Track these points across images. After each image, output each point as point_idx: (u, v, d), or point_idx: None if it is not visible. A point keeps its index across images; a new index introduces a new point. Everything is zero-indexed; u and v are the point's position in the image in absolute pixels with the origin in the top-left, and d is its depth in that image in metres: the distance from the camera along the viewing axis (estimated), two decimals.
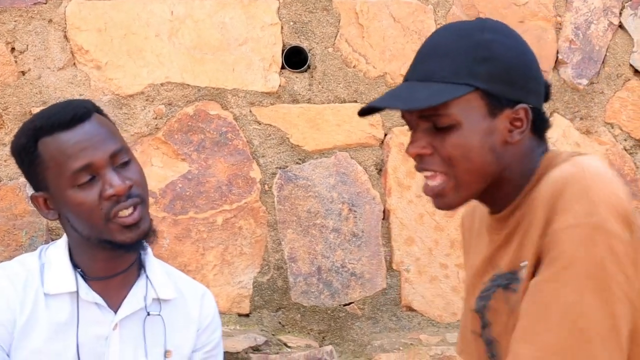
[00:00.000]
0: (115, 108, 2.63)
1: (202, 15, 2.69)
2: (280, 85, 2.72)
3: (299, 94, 2.73)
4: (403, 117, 1.36)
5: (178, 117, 2.66)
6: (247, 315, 2.67)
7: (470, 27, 1.34)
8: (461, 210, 2.78)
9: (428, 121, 1.31)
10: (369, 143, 2.76)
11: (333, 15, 2.77)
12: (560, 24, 2.88)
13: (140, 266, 1.66)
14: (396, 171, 2.75)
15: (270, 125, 2.71)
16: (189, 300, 1.70)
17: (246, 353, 2.45)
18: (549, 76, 2.83)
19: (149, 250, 1.67)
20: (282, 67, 2.72)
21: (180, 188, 2.64)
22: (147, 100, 2.66)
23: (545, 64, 2.80)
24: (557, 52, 2.85)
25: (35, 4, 2.62)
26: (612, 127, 2.90)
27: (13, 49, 2.61)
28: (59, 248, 1.62)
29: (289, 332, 2.66)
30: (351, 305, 2.71)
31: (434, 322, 2.75)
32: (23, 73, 2.61)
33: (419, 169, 1.34)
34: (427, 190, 1.34)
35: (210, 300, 1.74)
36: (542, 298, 1.21)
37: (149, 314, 1.61)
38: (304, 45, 2.74)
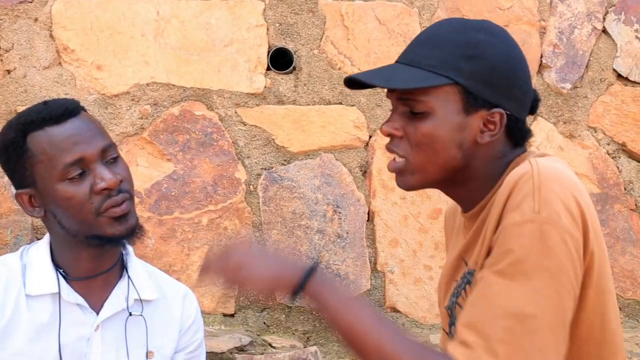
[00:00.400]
0: (101, 107, 2.63)
1: (188, 16, 2.69)
2: (265, 87, 2.73)
3: (284, 96, 2.74)
4: (387, 96, 1.40)
5: (163, 118, 2.67)
6: (232, 316, 2.68)
7: (469, 25, 1.37)
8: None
9: (406, 105, 1.34)
10: (353, 145, 2.77)
11: (319, 17, 2.78)
12: (544, 28, 2.90)
13: (122, 267, 1.66)
14: (381, 173, 2.76)
15: (256, 127, 2.72)
16: (171, 300, 1.70)
17: (231, 353, 2.45)
18: (533, 80, 2.85)
19: (131, 250, 1.67)
20: (268, 69, 2.73)
21: (166, 188, 2.65)
22: (132, 100, 2.66)
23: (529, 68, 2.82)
24: (541, 56, 2.87)
25: (21, 2, 2.62)
26: (596, 131, 2.92)
27: None
28: (41, 249, 1.62)
29: (273, 333, 2.67)
30: None
31: (418, 324, 2.76)
32: (8, 72, 2.61)
33: (388, 148, 1.39)
34: (389, 166, 1.40)
35: (192, 301, 1.74)
36: (489, 290, 1.22)
37: (130, 315, 1.61)
38: (290, 46, 2.75)
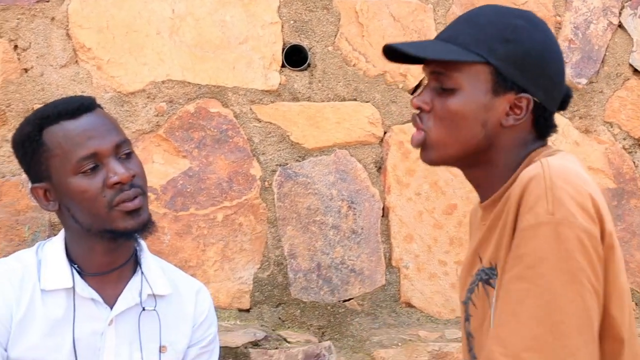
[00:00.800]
0: (117, 105, 2.66)
1: (203, 14, 2.71)
2: (280, 84, 2.74)
3: (299, 92, 2.75)
4: (423, 70, 1.42)
5: (179, 115, 2.69)
6: (247, 311, 2.70)
7: (511, 11, 1.39)
8: (461, 209, 2.80)
9: (437, 80, 1.37)
10: (368, 141, 2.78)
11: (333, 14, 2.79)
12: (559, 23, 2.89)
13: (136, 262, 1.68)
14: (395, 169, 2.77)
15: (271, 123, 2.73)
16: (184, 296, 1.72)
17: (245, 348, 2.47)
18: None
19: (145, 246, 1.70)
20: (283, 66, 2.75)
21: (181, 185, 2.67)
22: (148, 97, 2.68)
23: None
24: None
25: (38, 1, 2.65)
26: (612, 126, 2.91)
27: (16, 47, 2.64)
28: (56, 244, 1.64)
29: (288, 328, 2.69)
30: (351, 301, 2.74)
31: (433, 319, 2.77)
32: (26, 70, 2.64)
33: (412, 119, 1.41)
34: (412, 141, 1.41)
35: (206, 296, 1.76)
36: (510, 298, 1.23)
37: (144, 310, 1.64)
38: (304, 43, 2.76)
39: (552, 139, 1.48)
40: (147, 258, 1.70)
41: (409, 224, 2.76)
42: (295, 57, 2.76)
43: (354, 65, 2.78)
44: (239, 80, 2.72)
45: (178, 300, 1.71)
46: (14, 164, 2.56)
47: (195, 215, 2.67)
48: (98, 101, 1.68)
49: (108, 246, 1.62)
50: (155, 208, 2.60)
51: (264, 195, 2.72)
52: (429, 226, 2.77)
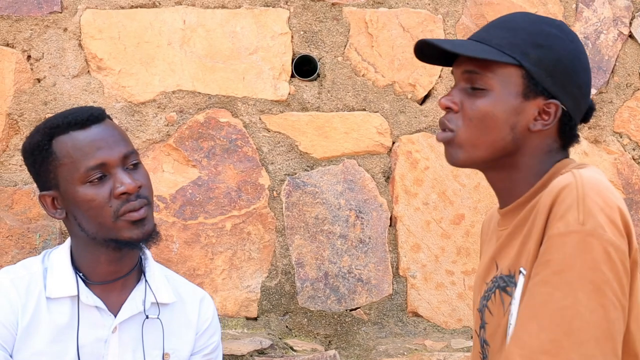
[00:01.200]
0: (128, 115, 2.69)
1: (214, 25, 2.74)
2: (289, 94, 2.76)
3: (308, 102, 2.78)
4: (452, 72, 1.43)
5: (189, 124, 2.72)
6: (254, 319, 2.72)
7: (544, 19, 1.41)
8: (468, 219, 2.79)
9: (468, 80, 1.38)
10: (376, 151, 2.79)
11: (343, 25, 2.81)
12: None
13: (140, 271, 1.71)
14: (403, 179, 2.78)
15: (280, 133, 2.75)
16: (188, 304, 1.74)
17: (251, 356, 2.49)
18: None
19: (149, 255, 1.72)
20: (292, 76, 2.77)
21: (190, 194, 2.70)
22: (158, 107, 2.71)
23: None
24: None
25: (51, 12, 2.69)
26: (621, 137, 2.91)
27: (29, 57, 2.68)
28: (62, 252, 1.67)
29: (295, 336, 2.70)
30: (357, 310, 2.75)
31: (440, 328, 2.77)
32: (38, 80, 2.69)
33: (440, 121, 1.42)
34: (437, 136, 1.42)
35: (209, 304, 1.78)
36: (533, 301, 1.23)
37: (147, 317, 1.66)
38: (314, 54, 2.78)
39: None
40: (152, 267, 1.72)
41: (416, 234, 2.78)
42: (305, 67, 2.78)
43: (363, 76, 2.80)
44: (249, 91, 2.74)
45: (182, 308, 1.73)
46: (26, 173, 2.60)
47: (204, 224, 2.69)
48: (109, 111, 1.71)
49: (113, 255, 1.64)
50: (164, 217, 2.63)
51: (273, 204, 2.74)
52: (437, 236, 2.78)
